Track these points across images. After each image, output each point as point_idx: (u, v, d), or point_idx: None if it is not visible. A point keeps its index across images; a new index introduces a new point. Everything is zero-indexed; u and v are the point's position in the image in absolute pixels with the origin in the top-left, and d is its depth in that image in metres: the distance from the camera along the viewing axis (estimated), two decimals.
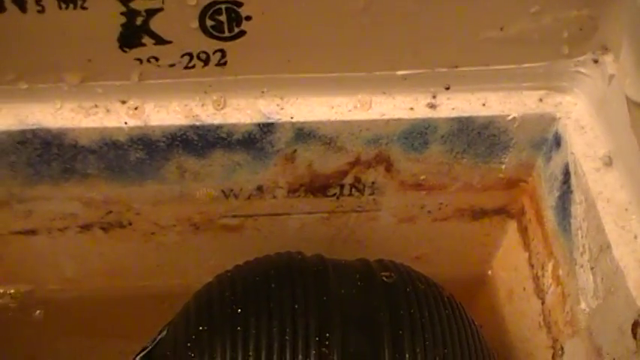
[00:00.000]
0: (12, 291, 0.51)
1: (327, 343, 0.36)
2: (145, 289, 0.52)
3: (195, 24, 0.36)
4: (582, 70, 0.41)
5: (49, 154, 0.41)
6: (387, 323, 0.38)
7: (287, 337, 0.36)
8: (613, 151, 0.39)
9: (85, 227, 0.46)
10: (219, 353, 0.36)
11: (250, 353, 0.36)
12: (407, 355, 0.37)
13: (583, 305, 0.40)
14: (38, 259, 0.48)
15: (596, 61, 0.40)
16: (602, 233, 0.38)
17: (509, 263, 0.51)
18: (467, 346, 0.39)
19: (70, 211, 0.45)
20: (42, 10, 0.35)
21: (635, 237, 0.37)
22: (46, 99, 0.39)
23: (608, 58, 0.39)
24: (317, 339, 0.36)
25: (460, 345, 0.39)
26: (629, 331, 0.35)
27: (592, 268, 0.39)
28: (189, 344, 0.37)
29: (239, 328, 0.36)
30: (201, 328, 0.37)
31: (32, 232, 0.46)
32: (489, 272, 0.54)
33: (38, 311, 0.52)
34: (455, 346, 0.39)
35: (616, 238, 0.37)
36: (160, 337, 0.40)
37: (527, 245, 0.48)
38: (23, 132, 0.39)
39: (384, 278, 0.40)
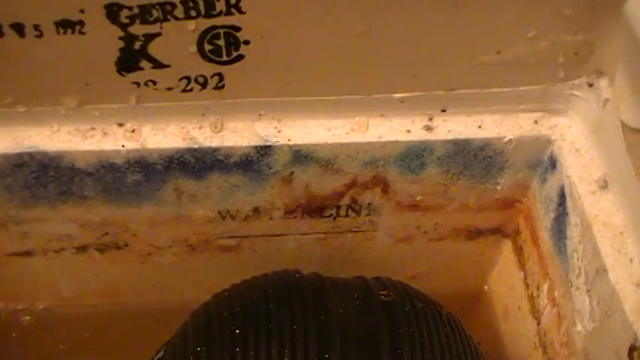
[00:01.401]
0: (9, 309, 0.51)
1: None
2: (141, 307, 0.52)
3: (194, 48, 0.36)
4: (577, 93, 0.41)
5: (45, 176, 0.41)
6: (386, 343, 0.37)
7: (286, 358, 0.36)
8: (608, 174, 0.40)
9: (81, 248, 0.46)
10: None
11: None
12: None
13: (579, 327, 0.40)
14: (34, 280, 0.48)
15: (591, 85, 0.40)
16: (598, 256, 0.38)
17: (504, 283, 0.52)
18: None
19: (66, 233, 0.45)
20: (40, 35, 0.35)
21: (631, 260, 0.37)
22: (44, 122, 0.39)
23: (603, 82, 0.40)
24: (316, 359, 0.36)
25: None
26: (626, 355, 0.35)
27: (588, 291, 0.39)
28: None
29: (238, 349, 0.36)
30: (199, 348, 0.37)
31: (28, 253, 0.46)
32: (485, 291, 0.54)
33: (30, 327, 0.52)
34: None
35: (612, 261, 0.37)
36: (157, 357, 0.40)
37: (522, 265, 0.48)
38: (20, 155, 0.39)
39: (383, 297, 0.40)
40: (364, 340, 0.37)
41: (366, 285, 0.41)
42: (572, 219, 0.41)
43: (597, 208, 0.39)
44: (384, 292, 0.40)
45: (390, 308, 0.39)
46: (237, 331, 0.37)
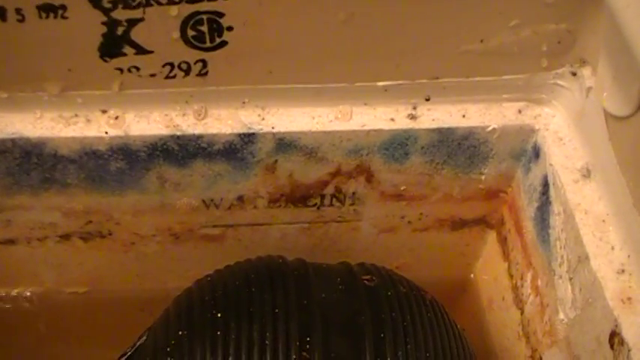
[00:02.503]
0: None
1: (307, 347, 0.36)
2: (124, 296, 0.52)
3: (177, 34, 0.36)
4: (561, 82, 0.41)
5: (28, 163, 0.40)
6: (368, 327, 0.37)
7: (267, 342, 0.36)
8: (591, 162, 0.40)
9: (65, 237, 0.46)
10: (199, 358, 0.36)
11: (230, 358, 0.36)
12: (389, 359, 0.37)
13: (561, 315, 0.40)
14: (17, 268, 0.48)
15: (574, 74, 0.40)
16: (580, 244, 0.38)
17: (489, 273, 0.52)
18: (449, 349, 0.39)
19: (50, 221, 0.44)
20: (22, 20, 0.35)
21: (613, 248, 0.37)
22: (26, 108, 0.39)
23: (586, 71, 0.40)
24: (298, 343, 0.36)
25: (442, 348, 0.39)
26: (607, 342, 0.35)
27: (570, 279, 0.39)
28: (168, 349, 0.37)
29: (219, 333, 0.36)
30: (180, 332, 0.37)
31: (11, 241, 0.46)
32: (470, 281, 0.55)
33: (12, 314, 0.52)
34: (437, 350, 0.39)
35: (594, 249, 0.37)
36: (139, 342, 0.39)
37: (506, 255, 0.48)
38: (3, 141, 0.39)
39: (366, 282, 0.40)
40: (346, 324, 0.37)
41: (349, 270, 0.41)
42: (555, 208, 0.41)
43: (580, 197, 0.39)
44: (367, 277, 0.40)
45: (373, 293, 0.39)
46: (219, 316, 0.37)
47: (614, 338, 0.35)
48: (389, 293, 0.39)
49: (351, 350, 0.37)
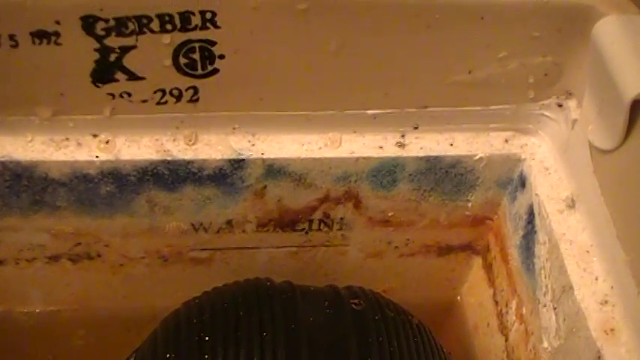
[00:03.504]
0: None
1: None
2: (112, 317, 0.52)
3: (169, 61, 0.37)
4: (547, 113, 0.42)
5: (18, 185, 0.41)
6: (355, 351, 0.38)
7: None
8: (576, 193, 0.40)
9: (53, 258, 0.46)
10: None
11: None
12: None
13: (545, 344, 0.41)
14: (4, 289, 0.48)
15: (560, 106, 0.41)
16: (564, 274, 0.38)
17: (474, 299, 0.52)
18: None
19: (39, 243, 0.45)
20: (15, 45, 0.35)
21: (596, 279, 0.38)
22: (18, 131, 0.39)
23: (571, 103, 0.40)
24: None
25: None
26: None
27: (555, 308, 0.40)
28: None
29: (206, 356, 0.36)
30: (168, 355, 0.37)
31: None
32: (455, 307, 0.55)
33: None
34: None
35: (578, 279, 0.38)
36: None
37: (491, 282, 0.49)
38: None
39: (353, 305, 0.40)
40: (333, 348, 0.38)
41: (336, 293, 0.41)
42: (540, 237, 0.41)
43: (564, 227, 0.40)
44: (355, 301, 0.40)
45: (359, 317, 0.39)
46: (207, 338, 0.37)
47: None
48: (376, 317, 0.40)
49: None
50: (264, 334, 0.37)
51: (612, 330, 0.36)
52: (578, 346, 0.37)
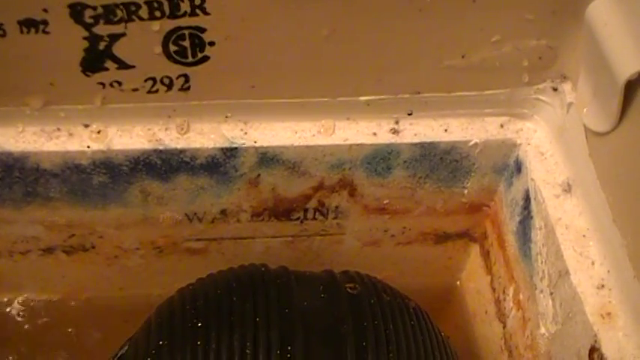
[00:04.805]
0: None
1: (288, 356, 0.36)
2: (107, 308, 0.52)
3: (159, 49, 0.36)
4: (542, 97, 0.41)
5: (10, 177, 0.40)
6: (350, 335, 0.37)
7: (248, 351, 0.36)
8: (572, 178, 0.40)
9: (48, 250, 0.46)
10: None
11: None
12: None
13: (543, 330, 0.40)
14: None
15: (555, 89, 0.41)
16: (560, 259, 0.38)
17: (472, 286, 0.52)
18: (433, 357, 0.39)
19: (32, 235, 0.44)
20: (3, 35, 0.35)
21: (593, 263, 0.37)
22: (8, 122, 0.39)
23: (566, 87, 0.40)
24: (279, 352, 0.36)
25: (426, 356, 0.39)
26: (587, 357, 0.36)
27: (551, 294, 0.39)
28: (149, 359, 0.37)
29: (199, 343, 0.36)
30: (161, 342, 0.37)
31: None
32: (453, 294, 0.55)
33: None
34: (420, 358, 0.39)
35: (574, 264, 0.38)
36: (121, 352, 0.39)
37: (489, 269, 0.48)
38: None
39: (349, 289, 0.40)
40: (328, 332, 0.37)
41: (332, 278, 0.41)
42: (537, 222, 0.41)
43: (561, 212, 0.40)
44: (350, 285, 0.40)
45: (355, 301, 0.39)
46: (200, 325, 0.37)
47: (594, 353, 0.35)
48: (372, 301, 0.39)
49: (332, 359, 0.37)
50: (258, 319, 0.37)
51: (609, 314, 0.36)
52: (575, 330, 0.37)
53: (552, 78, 0.41)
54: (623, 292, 0.36)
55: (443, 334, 0.42)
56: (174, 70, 0.38)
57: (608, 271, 0.37)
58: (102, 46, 0.36)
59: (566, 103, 0.40)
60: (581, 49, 0.37)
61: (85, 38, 0.35)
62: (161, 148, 0.40)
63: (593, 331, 0.35)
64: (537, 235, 0.41)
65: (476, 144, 0.43)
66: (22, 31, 0.35)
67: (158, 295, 0.48)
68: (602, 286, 0.37)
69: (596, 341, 0.35)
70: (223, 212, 0.44)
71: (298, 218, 0.46)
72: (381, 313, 0.39)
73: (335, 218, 0.46)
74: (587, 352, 0.35)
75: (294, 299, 0.38)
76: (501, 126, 0.43)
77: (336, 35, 0.37)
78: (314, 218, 0.46)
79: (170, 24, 0.35)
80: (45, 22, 0.34)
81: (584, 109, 0.38)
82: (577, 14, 0.37)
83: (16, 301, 0.51)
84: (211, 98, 0.39)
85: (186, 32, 0.36)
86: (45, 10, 0.34)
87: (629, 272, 0.35)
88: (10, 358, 0.52)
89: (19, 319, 0.51)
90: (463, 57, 0.39)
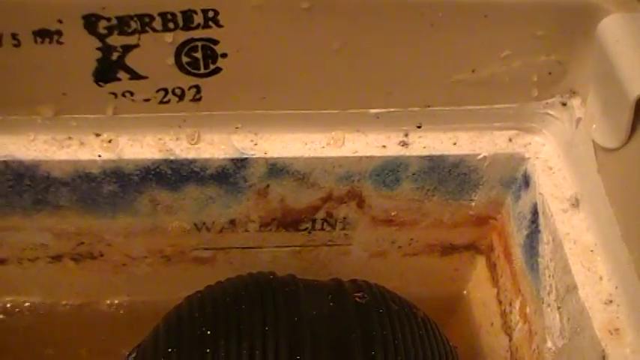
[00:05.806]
0: None
1: None
2: (114, 316, 0.52)
3: (171, 60, 0.37)
4: (551, 112, 0.41)
5: (21, 185, 0.40)
6: (359, 344, 0.37)
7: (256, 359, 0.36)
8: (580, 192, 0.40)
9: (56, 258, 0.46)
10: None
11: None
12: None
13: (549, 344, 0.40)
14: (7, 288, 0.48)
15: (564, 104, 0.41)
16: (568, 274, 0.38)
17: (477, 298, 0.52)
18: None
19: (41, 242, 0.45)
20: (17, 45, 0.35)
21: (601, 278, 0.37)
22: (20, 131, 0.39)
23: (575, 102, 0.40)
24: None
25: None
26: None
27: (559, 308, 0.39)
28: None
29: (208, 350, 0.36)
30: (170, 350, 0.37)
31: (2, 261, 0.46)
32: (459, 306, 0.55)
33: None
34: None
35: (582, 279, 0.38)
36: (129, 359, 0.40)
37: (495, 281, 0.49)
38: None
39: (357, 299, 0.40)
40: (336, 341, 0.37)
41: (340, 287, 0.41)
42: (544, 236, 0.41)
43: (568, 226, 0.40)
44: (358, 294, 0.40)
45: (364, 310, 0.39)
46: (208, 333, 0.37)
47: None
48: (380, 311, 0.39)
49: None
50: (266, 327, 0.37)
51: (617, 330, 0.36)
52: (583, 346, 0.37)
53: (561, 93, 0.41)
54: (632, 308, 0.36)
55: (451, 344, 0.42)
56: (186, 81, 0.38)
57: (616, 287, 0.37)
58: (115, 56, 0.36)
59: (575, 118, 0.40)
60: (592, 66, 0.38)
61: (98, 49, 0.36)
62: (171, 158, 0.40)
63: (601, 347, 0.35)
64: (545, 250, 0.41)
65: (484, 157, 0.43)
66: (36, 42, 0.35)
67: (165, 303, 0.48)
68: (610, 301, 0.37)
69: (604, 357, 0.35)
70: (232, 222, 0.45)
71: (306, 229, 0.46)
72: (389, 323, 0.39)
73: (342, 229, 0.46)
74: None
75: (302, 308, 0.38)
76: (510, 140, 0.43)
77: (347, 49, 0.37)
78: (322, 229, 0.46)
79: (183, 36, 0.36)
80: (59, 33, 0.35)
81: (594, 125, 0.38)
82: (587, 31, 0.37)
83: (23, 307, 0.51)
84: (222, 109, 0.40)
85: (199, 44, 0.36)
86: (60, 21, 0.34)
87: (637, 288, 0.35)
88: None
89: (26, 325, 0.51)
90: (473, 71, 0.39)
